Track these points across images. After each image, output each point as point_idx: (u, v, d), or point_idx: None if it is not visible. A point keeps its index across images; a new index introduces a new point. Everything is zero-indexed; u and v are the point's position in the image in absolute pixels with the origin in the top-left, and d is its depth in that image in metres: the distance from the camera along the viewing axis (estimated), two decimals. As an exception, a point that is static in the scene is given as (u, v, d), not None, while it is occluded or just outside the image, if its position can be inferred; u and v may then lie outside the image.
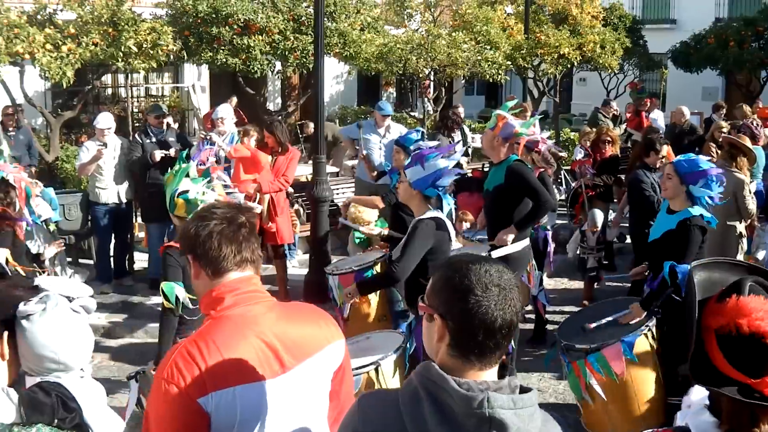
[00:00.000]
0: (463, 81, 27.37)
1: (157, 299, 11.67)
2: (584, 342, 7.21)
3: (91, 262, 13.55)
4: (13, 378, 3.61)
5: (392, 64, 20.15)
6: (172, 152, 12.18)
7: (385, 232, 8.97)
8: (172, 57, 17.69)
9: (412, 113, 25.55)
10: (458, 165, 8.17)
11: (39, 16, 15.83)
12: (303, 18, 19.40)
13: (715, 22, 33.88)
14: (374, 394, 3.01)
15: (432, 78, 22.19)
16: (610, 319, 7.46)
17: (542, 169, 10.69)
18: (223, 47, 18.51)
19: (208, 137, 12.24)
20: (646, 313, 7.22)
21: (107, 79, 23.64)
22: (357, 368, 6.18)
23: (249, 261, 3.52)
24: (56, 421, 3.52)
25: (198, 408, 3.18)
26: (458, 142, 13.50)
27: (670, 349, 7.18)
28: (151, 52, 15.74)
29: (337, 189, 15.55)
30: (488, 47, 21.60)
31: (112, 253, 12.91)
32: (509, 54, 22.33)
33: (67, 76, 14.85)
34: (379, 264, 9.17)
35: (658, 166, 10.84)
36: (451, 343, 2.66)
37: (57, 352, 3.79)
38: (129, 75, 17.01)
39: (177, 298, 6.51)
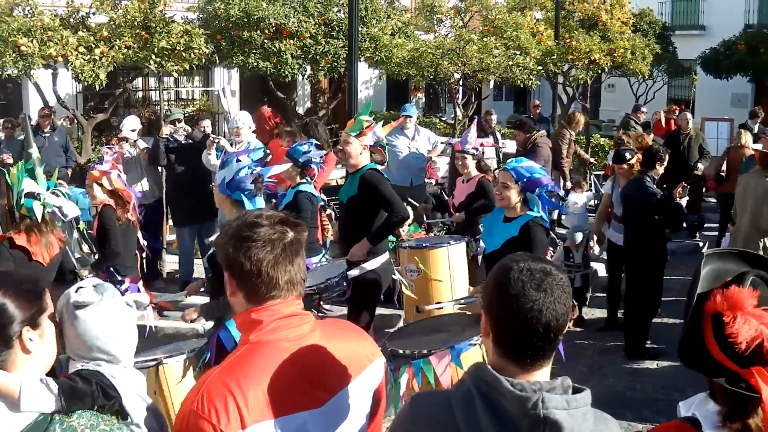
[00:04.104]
0: (492, 86, 27.34)
1: (188, 302, 11.73)
2: (413, 347, 6.40)
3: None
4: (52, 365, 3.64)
5: (423, 69, 20.15)
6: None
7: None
8: (203, 60, 17.75)
9: (443, 119, 25.55)
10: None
11: (72, 20, 15.97)
12: (334, 22, 19.47)
13: (744, 28, 33.69)
14: (427, 394, 3.01)
15: (461, 83, 22.19)
16: (445, 303, 7.30)
17: (483, 175, 10.57)
18: (254, 51, 18.59)
19: (217, 141, 12.12)
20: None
21: (138, 82, 23.76)
22: (139, 362, 5.99)
23: (293, 284, 3.13)
24: (96, 408, 3.57)
25: None
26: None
27: None
28: (184, 54, 15.80)
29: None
30: (518, 53, 21.58)
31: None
32: (540, 59, 22.29)
33: (99, 79, 14.97)
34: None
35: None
36: (493, 340, 2.68)
37: (109, 343, 3.87)
38: (160, 78, 17.05)
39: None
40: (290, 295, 3.13)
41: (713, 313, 2.91)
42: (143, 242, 9.83)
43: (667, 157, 10.63)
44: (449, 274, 9.40)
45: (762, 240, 10.28)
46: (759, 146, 11.06)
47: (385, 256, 8.40)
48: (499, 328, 2.64)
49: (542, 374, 2.66)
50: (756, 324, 2.84)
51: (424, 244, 9.91)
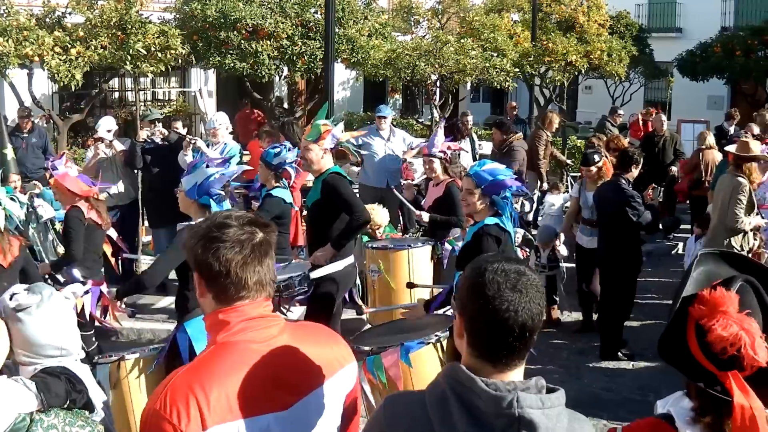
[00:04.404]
0: (469, 88, 27.38)
1: (164, 302, 11.70)
2: (372, 344, 6.48)
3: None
4: None
5: (400, 70, 20.15)
6: None
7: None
8: (179, 61, 17.70)
9: (419, 120, 25.57)
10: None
11: (48, 19, 15.94)
12: (311, 23, 19.44)
13: (721, 31, 33.91)
14: (401, 395, 2.99)
15: (438, 85, 22.22)
16: (435, 286, 7.11)
17: (452, 179, 10.37)
18: (231, 52, 18.54)
19: (194, 142, 12.04)
20: (426, 314, 6.83)
21: (114, 83, 23.68)
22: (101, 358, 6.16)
23: (261, 285, 3.11)
24: (68, 402, 3.60)
25: None
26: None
27: None
28: (160, 55, 15.75)
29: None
30: (495, 54, 21.62)
31: (119, 256, 12.92)
32: (517, 61, 22.34)
33: (75, 79, 14.91)
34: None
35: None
36: (468, 341, 2.67)
37: (59, 338, 3.99)
38: (136, 79, 16.99)
39: None
40: (259, 296, 3.11)
41: (697, 315, 2.94)
42: (121, 244, 9.81)
43: (641, 159, 10.60)
44: (410, 277, 9.34)
45: (728, 238, 10.35)
46: (732, 148, 11.12)
47: (349, 260, 8.30)
48: (474, 328, 2.63)
49: (516, 374, 2.66)
50: (736, 329, 2.86)
51: (387, 246, 9.88)
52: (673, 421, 3.01)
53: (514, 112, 22.05)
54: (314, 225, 8.35)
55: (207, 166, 6.77)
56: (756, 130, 15.53)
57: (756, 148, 10.59)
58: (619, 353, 10.46)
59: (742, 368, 2.88)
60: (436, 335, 6.30)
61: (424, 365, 6.18)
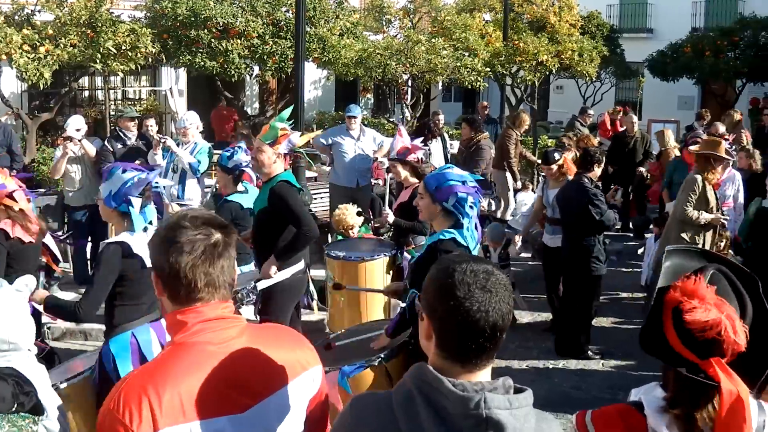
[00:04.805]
0: (441, 87, 27.41)
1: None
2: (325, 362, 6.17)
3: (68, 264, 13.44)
4: None
5: (371, 70, 20.13)
6: None
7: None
8: (150, 60, 17.61)
9: (390, 119, 25.57)
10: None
11: (17, 17, 15.77)
12: (282, 22, 19.38)
13: (691, 31, 34.14)
14: (367, 395, 2.96)
15: (410, 84, 22.21)
16: (362, 338, 6.73)
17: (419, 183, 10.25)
18: (201, 50, 18.45)
19: (163, 141, 11.95)
20: (391, 340, 6.33)
21: (84, 81, 23.53)
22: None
23: (219, 286, 3.10)
24: (16, 405, 3.55)
25: None
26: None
27: None
28: (130, 54, 15.67)
29: (315, 194, 15.51)
30: (467, 54, 21.64)
31: (89, 256, 12.83)
32: (488, 61, 22.36)
33: (44, 78, 14.78)
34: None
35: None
36: (437, 343, 2.65)
37: (10, 331, 3.92)
38: (106, 77, 16.89)
39: None
40: (212, 298, 3.09)
41: (673, 305, 2.99)
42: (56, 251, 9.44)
43: (604, 159, 10.67)
44: (364, 287, 9.28)
45: (680, 232, 10.50)
46: (695, 147, 11.21)
47: (299, 266, 8.06)
48: (444, 330, 2.62)
49: (484, 374, 2.65)
50: (716, 313, 2.92)
51: (341, 255, 9.66)
52: (643, 408, 3.04)
53: (486, 112, 22.08)
54: (260, 233, 8.08)
55: (123, 171, 6.34)
56: (721, 129, 15.64)
57: (724, 147, 10.66)
58: (589, 351, 10.49)
59: (722, 354, 2.93)
60: (379, 357, 6.13)
61: (365, 389, 5.95)
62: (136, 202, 6.18)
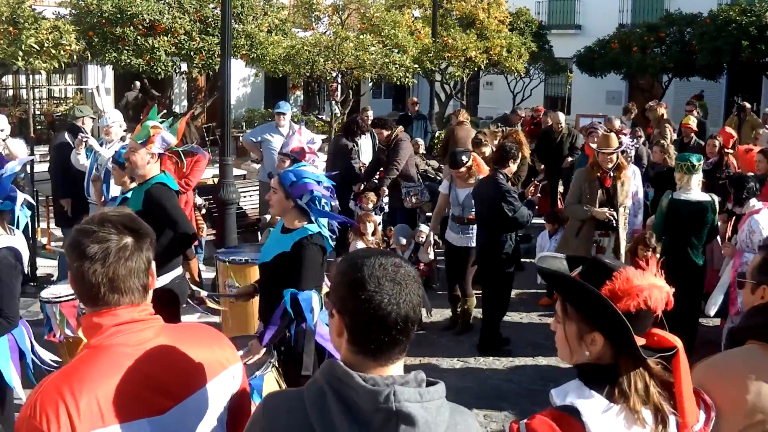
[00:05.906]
0: (370, 84, 27.45)
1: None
2: None
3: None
4: None
5: (300, 67, 20.08)
6: None
7: None
8: (75, 57, 17.36)
9: (320, 116, 25.53)
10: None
11: (-65, 14, 15.42)
12: (209, 19, 19.26)
13: (618, 27, 34.52)
14: (280, 394, 2.92)
15: (339, 81, 22.18)
16: (222, 295, 6.78)
17: None
18: (127, 48, 18.24)
19: (86, 140, 11.73)
20: (265, 349, 6.22)
21: (8, 80, 23.16)
22: None
23: (126, 290, 3.02)
24: None
25: None
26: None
27: None
28: (53, 51, 15.39)
29: (244, 192, 15.40)
30: (396, 50, 21.67)
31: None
32: (416, 57, 22.42)
33: (-35, 76, 14.51)
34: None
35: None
36: (348, 338, 2.63)
37: None
38: (30, 76, 16.58)
39: None
40: (121, 303, 3.02)
41: (625, 308, 2.99)
42: None
43: (519, 155, 10.72)
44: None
45: (571, 225, 10.81)
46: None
47: (176, 272, 7.58)
48: (356, 325, 2.60)
49: (396, 368, 2.64)
50: (648, 280, 3.00)
51: (243, 259, 9.50)
52: (577, 413, 2.99)
53: (416, 108, 22.11)
54: None
55: None
56: (617, 123, 15.90)
57: (615, 141, 10.75)
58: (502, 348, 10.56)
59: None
60: (269, 362, 6.10)
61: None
62: (20, 197, 6.04)
